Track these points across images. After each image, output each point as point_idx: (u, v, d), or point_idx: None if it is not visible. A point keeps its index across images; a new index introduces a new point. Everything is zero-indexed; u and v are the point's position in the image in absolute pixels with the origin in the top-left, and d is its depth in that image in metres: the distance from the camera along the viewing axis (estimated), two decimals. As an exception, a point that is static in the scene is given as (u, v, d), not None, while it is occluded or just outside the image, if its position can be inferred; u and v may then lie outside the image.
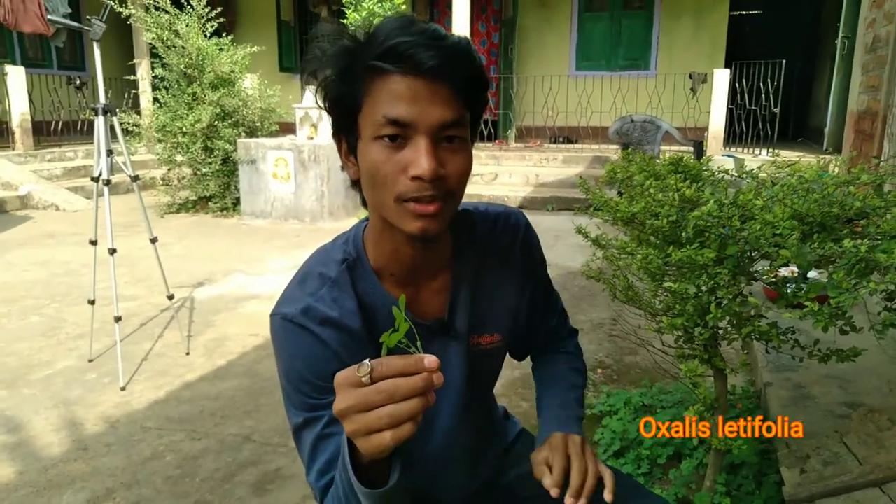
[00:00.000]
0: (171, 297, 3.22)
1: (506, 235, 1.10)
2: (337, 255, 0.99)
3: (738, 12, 11.77)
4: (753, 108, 8.79)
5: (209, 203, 7.02)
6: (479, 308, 1.06)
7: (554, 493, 0.97)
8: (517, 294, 1.12)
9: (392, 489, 0.73)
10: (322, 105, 0.90)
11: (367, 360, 0.67)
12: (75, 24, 3.11)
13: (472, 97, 0.87)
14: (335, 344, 0.92)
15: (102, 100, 2.90)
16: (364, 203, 0.94)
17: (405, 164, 0.82)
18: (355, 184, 0.93)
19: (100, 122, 2.86)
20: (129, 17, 6.48)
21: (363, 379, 0.66)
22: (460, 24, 8.33)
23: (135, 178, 3.04)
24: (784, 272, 1.52)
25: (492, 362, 1.15)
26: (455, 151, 0.85)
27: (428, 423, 1.05)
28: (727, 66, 9.17)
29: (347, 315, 0.94)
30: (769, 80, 8.55)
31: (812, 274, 1.52)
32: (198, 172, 6.91)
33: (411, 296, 1.00)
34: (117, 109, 3.03)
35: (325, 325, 0.92)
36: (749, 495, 1.78)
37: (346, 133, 0.89)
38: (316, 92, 0.90)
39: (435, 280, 1.02)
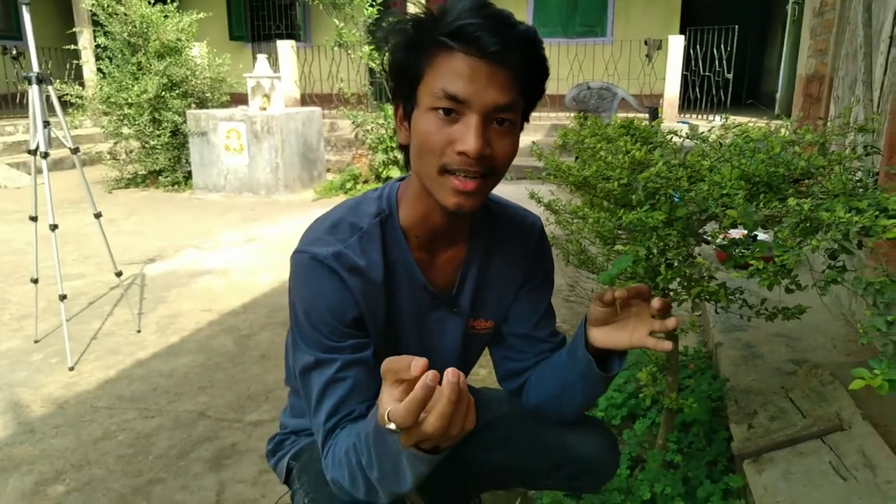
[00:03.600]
0: (119, 274, 3.12)
1: (520, 234, 1.16)
2: (370, 208, 1.02)
3: (693, -22, 11.80)
4: (707, 74, 8.90)
5: (159, 177, 6.81)
6: (481, 292, 1.12)
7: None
8: (517, 290, 1.16)
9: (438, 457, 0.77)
10: (385, 70, 0.95)
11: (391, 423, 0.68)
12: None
13: (530, 85, 0.91)
14: (357, 292, 0.96)
15: (35, 68, 2.75)
16: (406, 164, 0.98)
17: (454, 138, 0.87)
18: (402, 147, 0.98)
19: (34, 91, 2.72)
20: (65, -18, 6.17)
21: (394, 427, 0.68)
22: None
23: (75, 151, 2.92)
24: (733, 234, 1.54)
25: (480, 346, 1.21)
26: (504, 134, 0.90)
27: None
28: (682, 32, 9.23)
29: (373, 266, 0.99)
30: (723, 46, 8.65)
31: (760, 236, 1.54)
32: (146, 146, 6.69)
33: (427, 261, 1.06)
34: (52, 78, 2.87)
35: (353, 272, 0.96)
36: (700, 452, 1.83)
37: (405, 100, 0.93)
38: (382, 58, 0.95)
39: (449, 250, 1.08)
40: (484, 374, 2.52)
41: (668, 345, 0.97)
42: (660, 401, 1.90)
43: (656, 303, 0.95)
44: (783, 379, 1.99)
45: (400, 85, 0.93)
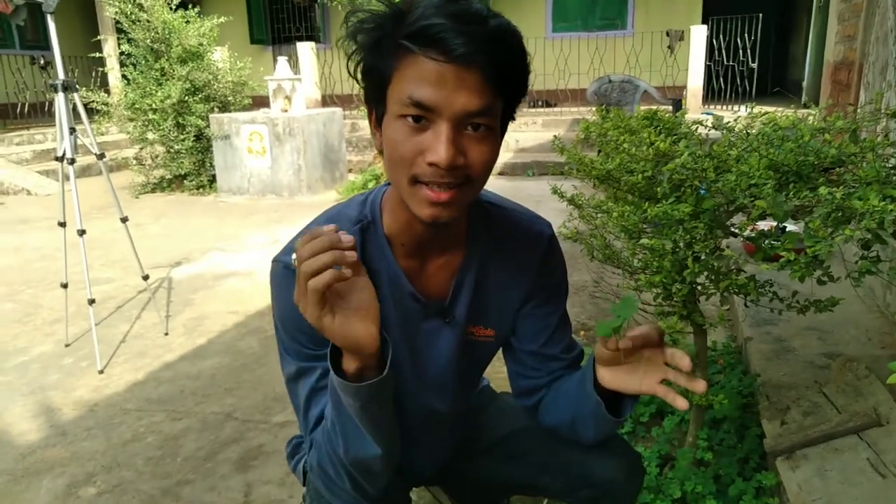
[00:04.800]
0: (146, 278, 3.16)
1: (525, 242, 1.08)
2: (352, 213, 0.98)
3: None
4: (731, 64, 8.76)
5: (184, 181, 6.90)
6: (480, 300, 1.06)
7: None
8: (521, 299, 1.10)
9: (384, 380, 0.80)
10: (352, 74, 0.88)
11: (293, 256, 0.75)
12: (27, -3, 2.98)
13: (507, 84, 0.83)
14: None
15: (61, 75, 2.79)
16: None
17: (424, 147, 0.80)
18: (381, 153, 0.92)
19: (60, 99, 2.76)
20: (90, -9, 6.27)
21: (294, 266, 0.74)
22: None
23: (100, 157, 2.95)
24: (762, 225, 1.51)
25: (482, 354, 1.15)
26: (479, 140, 0.82)
27: (412, 398, 1.05)
28: (704, 22, 9.09)
29: None
30: (746, 36, 8.50)
31: (790, 227, 1.50)
32: (171, 150, 6.77)
33: (416, 269, 1.00)
34: (77, 85, 2.92)
35: None
36: (731, 449, 1.79)
37: (375, 104, 0.87)
38: (349, 59, 0.88)
39: (442, 257, 1.02)
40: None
41: (682, 403, 0.87)
42: (689, 397, 1.87)
43: (684, 362, 0.87)
44: (816, 373, 1.94)
45: (369, 89, 0.87)
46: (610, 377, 0.94)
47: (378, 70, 0.83)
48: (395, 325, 1.00)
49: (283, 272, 0.93)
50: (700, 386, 0.86)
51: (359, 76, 0.87)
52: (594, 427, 1.03)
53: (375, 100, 0.86)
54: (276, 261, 0.96)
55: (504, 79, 0.81)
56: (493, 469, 1.26)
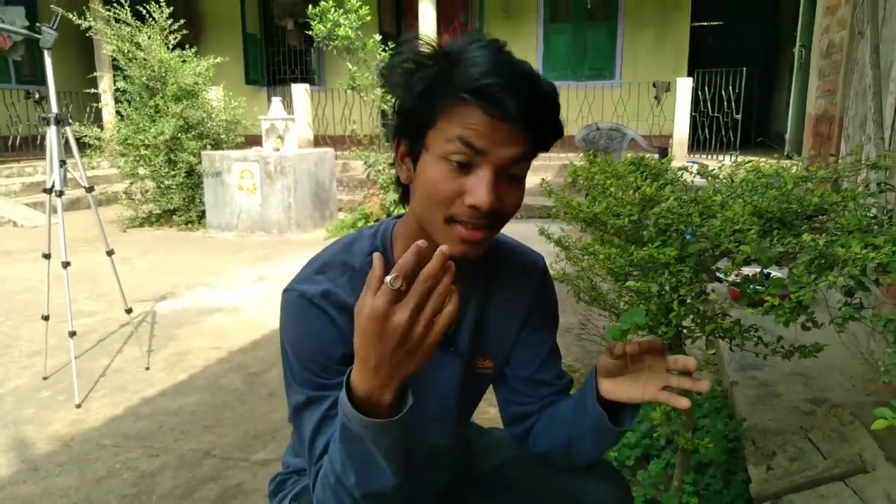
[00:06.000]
0: (129, 311, 3.13)
1: (522, 273, 1.13)
2: (364, 246, 1.01)
3: (700, 23, 12.01)
4: (716, 115, 8.97)
5: (173, 216, 6.89)
6: (481, 332, 1.09)
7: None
8: (518, 329, 1.13)
9: (406, 416, 0.76)
10: (391, 107, 0.93)
11: (387, 278, 0.70)
12: (24, 31, 3.02)
13: (547, 140, 0.91)
14: (348, 330, 0.92)
15: (55, 109, 2.81)
16: (403, 202, 0.97)
17: (465, 189, 0.85)
18: (401, 185, 0.97)
19: (52, 132, 2.78)
20: (88, 28, 6.35)
21: (401, 288, 0.70)
22: (426, 35, 8.34)
23: (90, 190, 2.95)
24: (746, 271, 1.52)
25: (481, 386, 1.17)
26: (514, 186, 0.89)
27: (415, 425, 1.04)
28: (690, 74, 9.34)
29: None
30: (731, 88, 8.73)
31: (774, 273, 1.52)
32: (161, 185, 6.78)
33: None
34: (70, 119, 2.94)
35: (342, 311, 0.93)
36: (717, 494, 1.77)
37: (410, 140, 0.91)
38: (381, 100, 0.92)
39: None
40: (494, 412, 2.48)
41: (685, 402, 0.92)
42: (674, 441, 1.86)
43: (690, 363, 0.91)
44: (801, 419, 1.94)
45: (407, 126, 0.91)
46: (612, 388, 0.97)
47: (424, 113, 0.87)
48: None
49: (299, 301, 0.94)
50: (704, 385, 0.90)
51: (397, 110, 0.92)
52: (592, 443, 1.04)
53: (411, 136, 0.91)
54: (290, 291, 0.96)
55: (545, 135, 0.89)
56: (486, 501, 1.25)
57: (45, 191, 2.82)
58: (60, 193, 2.78)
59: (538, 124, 0.86)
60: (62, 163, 2.83)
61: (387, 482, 0.81)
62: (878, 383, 2.14)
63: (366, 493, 0.83)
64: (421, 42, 0.92)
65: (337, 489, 0.85)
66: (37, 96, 3.03)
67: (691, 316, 1.48)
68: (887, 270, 1.15)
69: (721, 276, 1.52)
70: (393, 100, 0.93)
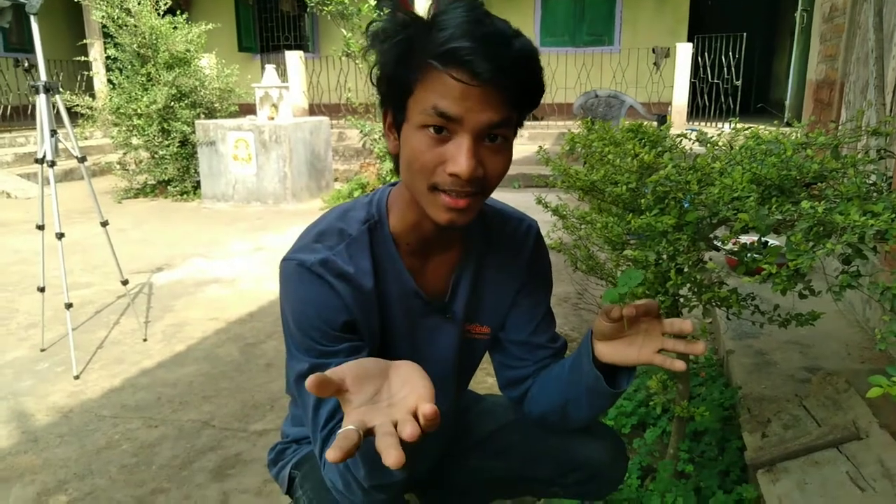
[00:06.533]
0: (125, 283, 3.12)
1: (515, 239, 1.13)
2: (360, 214, 1.01)
3: (700, -13, 11.81)
4: (716, 81, 8.87)
5: (168, 187, 6.84)
6: (477, 297, 1.10)
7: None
8: (513, 295, 1.14)
9: None
10: (372, 80, 0.92)
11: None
12: (10, -3, 2.95)
13: (526, 101, 0.88)
14: (348, 298, 0.95)
15: (43, 77, 2.76)
16: (397, 172, 0.95)
17: (445, 157, 0.84)
18: (392, 156, 0.95)
19: (41, 100, 2.73)
20: (76, -6, 6.23)
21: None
22: (420, 2, 8.19)
23: (82, 160, 2.91)
24: (744, 239, 1.51)
25: (478, 352, 1.19)
26: (496, 151, 0.87)
27: None
28: (689, 40, 9.22)
29: (361, 273, 0.97)
30: (731, 54, 8.62)
31: (771, 242, 1.51)
32: (155, 155, 6.71)
33: (419, 267, 1.03)
34: (60, 87, 2.89)
35: (341, 278, 0.94)
36: (712, 461, 1.79)
37: (394, 109, 0.90)
38: (371, 67, 0.91)
39: (441, 256, 1.05)
40: (491, 381, 2.49)
41: (680, 364, 0.91)
42: (671, 409, 1.87)
43: (686, 326, 0.90)
44: (797, 386, 1.95)
45: (389, 95, 0.90)
46: (608, 350, 0.97)
47: (401, 80, 0.86)
48: (399, 322, 1.03)
49: (298, 269, 0.94)
50: (699, 347, 0.90)
51: (377, 81, 0.91)
52: (588, 405, 1.04)
53: (395, 106, 0.89)
54: (289, 260, 0.96)
55: (523, 96, 0.86)
56: (481, 466, 1.26)
57: (36, 161, 2.78)
58: (52, 163, 2.74)
59: (515, 86, 0.83)
60: (53, 132, 2.79)
61: (395, 476, 0.81)
62: (874, 351, 2.15)
63: (374, 485, 0.83)
64: (401, 9, 0.90)
65: (346, 475, 0.85)
66: (26, 64, 2.97)
67: (688, 285, 1.47)
68: (885, 238, 1.14)
69: (718, 244, 1.51)
70: (369, 67, 0.92)
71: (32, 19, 2.72)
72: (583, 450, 1.17)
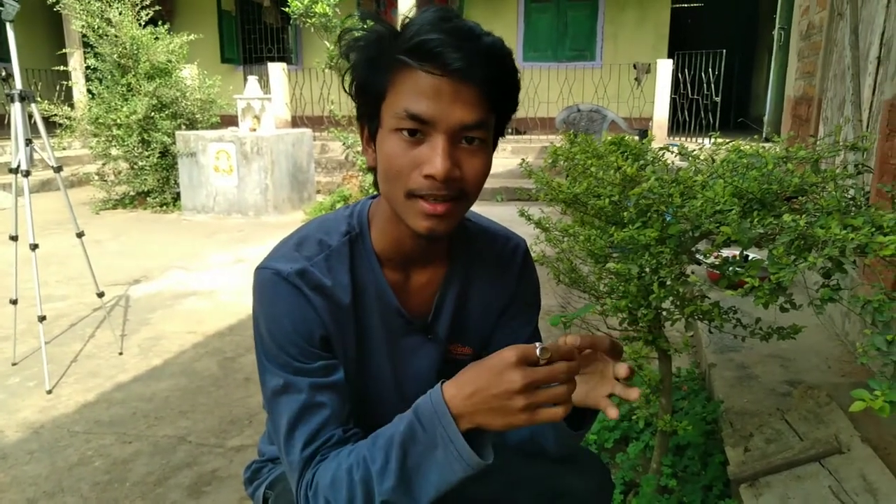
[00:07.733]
0: (100, 295, 3.06)
1: (502, 258, 1.09)
2: (340, 226, 0.97)
3: (681, 4, 12.00)
4: (696, 97, 8.98)
5: (148, 198, 6.75)
6: (461, 318, 1.06)
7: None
8: (498, 316, 1.10)
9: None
10: (348, 91, 0.89)
11: (538, 344, 0.73)
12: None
13: (500, 99, 0.85)
14: (324, 312, 0.91)
15: (19, 85, 2.72)
16: (376, 186, 0.92)
17: (420, 160, 0.81)
18: (371, 170, 0.91)
19: (16, 109, 2.69)
20: (56, 2, 6.16)
21: (541, 360, 0.73)
22: (401, 16, 8.21)
23: (58, 170, 2.87)
24: (726, 253, 1.51)
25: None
26: (473, 153, 0.84)
27: (391, 415, 1.01)
28: (670, 56, 9.34)
29: (339, 288, 0.93)
30: (711, 70, 8.74)
31: (752, 256, 1.52)
32: (135, 166, 6.63)
33: (401, 283, 0.99)
34: (38, 97, 2.84)
35: (317, 291, 0.91)
36: (695, 476, 1.78)
37: (369, 120, 0.88)
38: (343, 76, 0.89)
39: (425, 273, 1.01)
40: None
41: (613, 412, 0.85)
42: (653, 423, 1.86)
43: (621, 370, 0.85)
44: (778, 400, 1.95)
45: (363, 104, 0.88)
46: None
47: (373, 86, 0.84)
48: (379, 338, 0.99)
49: (273, 278, 0.90)
50: (633, 394, 0.85)
51: (352, 92, 0.88)
52: (554, 440, 1.02)
53: (369, 116, 0.87)
54: (264, 269, 0.92)
55: (498, 93, 0.83)
56: (461, 490, 1.23)
57: (10, 171, 2.73)
58: (27, 173, 2.69)
59: (488, 82, 0.81)
60: (28, 141, 2.74)
61: (422, 498, 0.79)
62: (854, 364, 2.16)
63: (387, 500, 0.79)
64: (377, 18, 0.88)
65: (357, 489, 0.80)
66: (3, 73, 2.92)
67: (671, 298, 1.47)
68: (865, 252, 1.14)
69: (700, 258, 1.51)
70: (342, 77, 0.90)
71: (8, 26, 2.67)
72: (565, 478, 1.12)
